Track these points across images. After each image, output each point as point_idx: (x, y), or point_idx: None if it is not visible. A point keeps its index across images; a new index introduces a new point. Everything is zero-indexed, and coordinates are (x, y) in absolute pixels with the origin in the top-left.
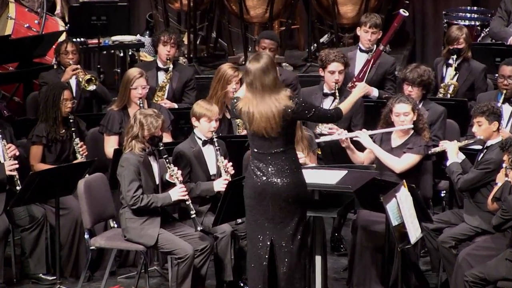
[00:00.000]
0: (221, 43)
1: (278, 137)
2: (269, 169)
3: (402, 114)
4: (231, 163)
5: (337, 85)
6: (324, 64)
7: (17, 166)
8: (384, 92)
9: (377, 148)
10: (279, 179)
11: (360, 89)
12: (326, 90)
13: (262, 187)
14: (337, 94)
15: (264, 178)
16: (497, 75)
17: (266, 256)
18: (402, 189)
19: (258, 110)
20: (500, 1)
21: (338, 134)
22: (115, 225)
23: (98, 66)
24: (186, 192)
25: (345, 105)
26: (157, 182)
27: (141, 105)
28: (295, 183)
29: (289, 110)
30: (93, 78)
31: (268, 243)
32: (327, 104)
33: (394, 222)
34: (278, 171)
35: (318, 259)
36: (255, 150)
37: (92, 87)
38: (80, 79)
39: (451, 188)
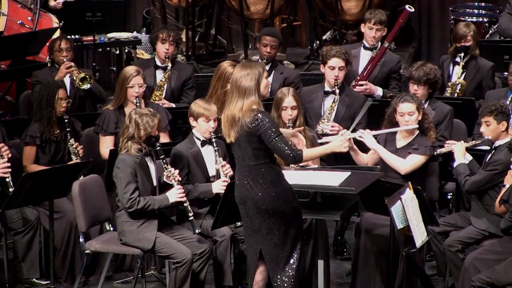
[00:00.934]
0: (221, 40)
1: (247, 150)
2: (247, 180)
3: (407, 114)
4: (228, 165)
5: (336, 81)
6: (324, 59)
7: (9, 169)
8: (388, 91)
9: (381, 149)
10: (255, 192)
11: (334, 146)
12: (327, 88)
13: (244, 199)
14: (337, 92)
15: (244, 189)
16: (506, 73)
17: (256, 265)
18: (407, 191)
19: (224, 113)
20: None
21: (341, 134)
22: (111, 228)
23: (94, 64)
24: (184, 194)
25: (309, 154)
26: (155, 183)
27: (137, 104)
28: (272, 196)
29: (245, 126)
30: (87, 77)
31: (258, 252)
32: (329, 102)
33: (399, 225)
34: (254, 184)
35: (320, 263)
36: (236, 161)
37: (86, 86)
38: (74, 78)
39: (458, 190)
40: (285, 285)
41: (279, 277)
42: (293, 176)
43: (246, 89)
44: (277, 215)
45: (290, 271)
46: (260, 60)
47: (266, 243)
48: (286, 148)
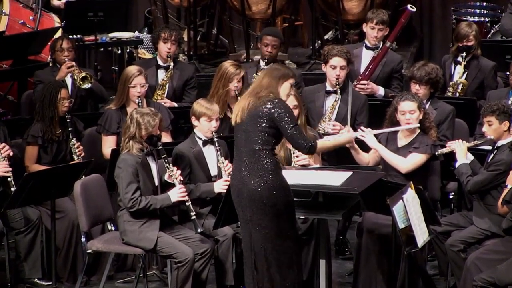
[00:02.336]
0: (222, 40)
1: (255, 132)
2: (244, 169)
3: (408, 112)
4: (230, 164)
5: (338, 81)
6: (326, 58)
7: (9, 168)
8: (390, 90)
9: (382, 148)
10: (252, 181)
11: (346, 138)
12: (328, 87)
13: (240, 186)
14: (338, 91)
15: (240, 177)
16: (508, 73)
17: (252, 257)
18: (409, 190)
19: (241, 101)
20: None
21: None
22: (113, 228)
23: (95, 63)
24: (186, 193)
25: (323, 145)
26: (156, 183)
27: (139, 104)
28: (269, 185)
29: (266, 111)
30: (88, 76)
31: (251, 244)
32: (330, 101)
33: (401, 225)
34: (251, 172)
35: (322, 263)
36: (236, 146)
37: (87, 85)
38: (75, 77)
39: (459, 190)
40: (266, 282)
41: (261, 272)
42: (294, 176)
43: (268, 83)
44: (270, 206)
45: (279, 269)
46: (261, 60)
47: (256, 234)
48: (301, 138)
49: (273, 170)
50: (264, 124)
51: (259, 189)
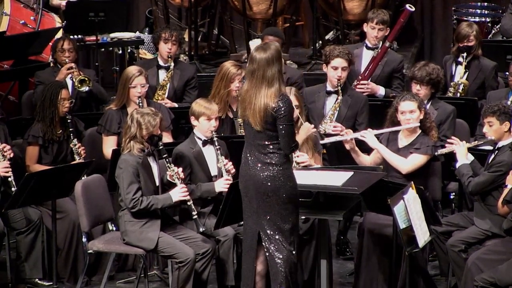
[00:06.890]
0: (223, 40)
1: (262, 131)
2: (253, 160)
3: (408, 112)
4: (231, 162)
5: (339, 82)
6: (327, 59)
7: (10, 169)
8: (391, 90)
9: (383, 148)
10: (259, 172)
11: (304, 131)
12: (329, 88)
13: (247, 178)
14: (339, 91)
15: (248, 168)
16: (507, 73)
17: (255, 248)
18: (410, 191)
19: (253, 101)
20: None
21: (343, 134)
22: (114, 228)
23: (96, 64)
24: (187, 193)
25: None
26: (157, 183)
27: (140, 104)
28: (275, 177)
29: (270, 110)
30: (86, 79)
31: (256, 235)
32: (331, 102)
33: (402, 225)
34: (260, 163)
35: (323, 263)
36: (245, 139)
37: (84, 88)
38: (74, 79)
39: (460, 190)
40: (282, 269)
41: (277, 259)
42: (295, 176)
43: (272, 77)
44: (277, 198)
45: (288, 255)
46: None
47: (265, 224)
48: (293, 138)
49: (282, 162)
50: (273, 124)
51: (264, 180)
